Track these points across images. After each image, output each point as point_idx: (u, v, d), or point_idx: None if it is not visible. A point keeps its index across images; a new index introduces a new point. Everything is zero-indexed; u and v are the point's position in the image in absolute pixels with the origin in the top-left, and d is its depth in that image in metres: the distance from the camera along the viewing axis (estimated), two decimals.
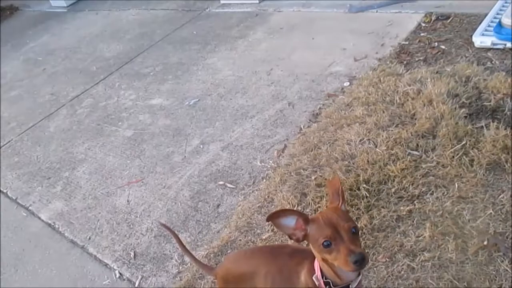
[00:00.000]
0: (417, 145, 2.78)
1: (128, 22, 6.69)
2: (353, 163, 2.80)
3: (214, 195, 3.03)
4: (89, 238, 3.00)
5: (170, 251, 2.72)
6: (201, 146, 3.54)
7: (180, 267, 2.60)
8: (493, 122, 2.77)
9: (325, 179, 2.73)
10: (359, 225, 2.40)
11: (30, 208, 3.46)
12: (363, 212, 2.47)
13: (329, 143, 3.05)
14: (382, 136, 2.89)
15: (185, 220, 2.91)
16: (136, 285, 2.58)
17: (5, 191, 3.77)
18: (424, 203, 2.45)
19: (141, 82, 4.82)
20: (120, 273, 2.69)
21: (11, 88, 5.79)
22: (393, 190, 2.55)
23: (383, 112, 3.11)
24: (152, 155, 3.62)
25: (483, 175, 2.49)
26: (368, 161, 2.76)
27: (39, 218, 3.33)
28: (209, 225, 2.82)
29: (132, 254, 2.78)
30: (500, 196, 2.36)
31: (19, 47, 7.18)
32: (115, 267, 2.74)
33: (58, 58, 6.22)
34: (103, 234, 3.00)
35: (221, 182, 3.12)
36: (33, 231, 3.24)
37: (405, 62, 3.68)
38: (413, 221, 2.37)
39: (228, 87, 4.20)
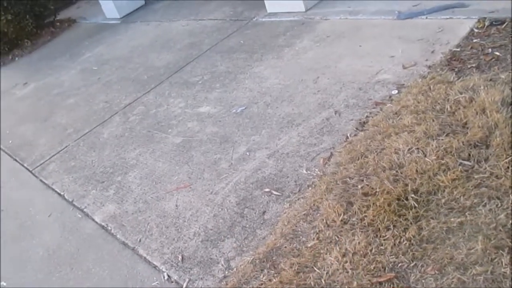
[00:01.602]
0: (469, 155, 2.70)
1: (178, 32, 6.91)
2: (401, 173, 2.75)
3: (260, 202, 3.07)
4: (140, 241, 3.12)
5: (216, 256, 2.78)
6: (248, 154, 3.59)
7: (226, 272, 2.65)
8: None
9: (372, 188, 2.70)
10: (407, 236, 2.36)
11: (85, 210, 3.64)
12: (411, 223, 2.42)
13: (376, 152, 3.02)
14: (432, 145, 2.83)
15: (231, 226, 2.96)
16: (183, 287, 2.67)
17: (62, 193, 3.99)
18: (476, 215, 2.37)
19: (190, 90, 4.97)
20: (168, 275, 2.77)
21: (68, 96, 6.13)
22: (443, 201, 2.49)
23: (433, 120, 3.04)
24: (200, 161, 3.71)
25: None
26: (416, 171, 2.71)
27: (93, 220, 3.50)
28: (255, 231, 2.86)
29: (180, 257, 2.86)
30: None
31: (76, 57, 7.59)
32: (163, 269, 2.83)
33: (112, 68, 6.52)
34: (153, 237, 3.11)
35: (267, 189, 3.15)
36: (87, 232, 3.41)
37: (456, 70, 3.58)
38: (464, 233, 2.30)
39: (275, 95, 4.24)
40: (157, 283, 2.77)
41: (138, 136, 4.44)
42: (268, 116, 3.97)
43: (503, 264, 2.10)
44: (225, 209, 3.12)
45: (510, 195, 2.39)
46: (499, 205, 2.37)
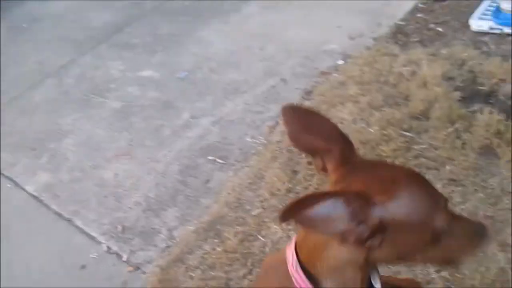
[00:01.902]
0: (410, 126, 2.77)
1: None
2: None
3: (204, 170, 3.00)
4: (76, 211, 2.95)
5: (158, 226, 2.70)
6: (191, 120, 3.48)
7: (169, 242, 2.59)
8: (486, 106, 2.78)
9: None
10: None
11: (15, 179, 3.38)
12: None
13: None
14: (375, 116, 2.88)
15: (174, 195, 2.88)
16: (124, 259, 2.56)
17: None
18: None
19: (130, 53, 4.70)
20: (108, 247, 2.66)
21: None
22: None
23: (377, 92, 3.09)
24: (141, 128, 3.55)
25: (475, 158, 2.50)
26: (360, 141, 2.75)
27: (25, 190, 3.26)
28: (198, 200, 2.80)
29: (120, 228, 2.75)
30: (490, 180, 2.38)
31: (3, 13, 6.92)
32: (102, 241, 2.71)
33: (44, 26, 6.01)
34: (90, 207, 2.96)
35: (211, 157, 3.08)
36: (19, 204, 3.18)
37: (401, 43, 3.64)
38: None
39: (220, 61, 4.12)
40: (96, 255, 2.64)
41: (74, 100, 4.16)
42: (213, 82, 3.85)
43: None
44: (168, 178, 3.02)
45: (447, 166, 2.49)
46: (437, 175, 2.47)
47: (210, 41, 4.49)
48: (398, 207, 0.83)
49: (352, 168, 0.94)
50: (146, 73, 4.27)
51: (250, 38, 4.33)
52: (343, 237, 0.82)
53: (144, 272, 2.47)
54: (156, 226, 2.71)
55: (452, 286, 1.99)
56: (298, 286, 0.93)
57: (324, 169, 1.01)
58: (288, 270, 0.97)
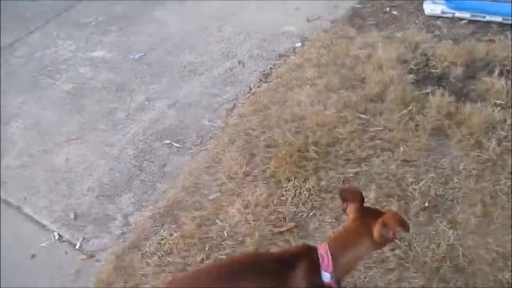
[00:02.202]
0: (366, 108, 2.81)
1: None
2: (303, 125, 2.79)
3: (160, 154, 2.93)
4: (25, 198, 2.82)
5: (113, 212, 2.62)
6: (147, 103, 3.38)
7: (124, 228, 2.52)
8: (438, 89, 2.85)
9: (274, 140, 2.71)
10: (307, 186, 2.42)
11: None
12: (311, 174, 2.48)
13: (279, 104, 3.01)
14: (332, 98, 2.89)
15: (129, 180, 2.80)
16: (77, 247, 2.48)
17: None
18: (371, 165, 2.49)
19: (81, 32, 4.49)
20: (60, 235, 2.56)
21: None
22: (341, 152, 2.58)
23: (334, 74, 3.10)
24: (93, 111, 3.42)
25: (427, 139, 2.57)
26: (317, 123, 2.76)
27: None
28: (155, 185, 2.74)
29: (72, 215, 2.65)
30: (441, 160, 2.45)
31: None
32: (53, 228, 2.60)
33: None
34: (40, 194, 2.83)
35: (167, 141, 3.01)
36: None
37: (357, 26, 3.67)
38: (359, 183, 2.42)
39: (176, 42, 4.01)
40: (47, 243, 2.54)
41: (22, 81, 3.94)
42: (169, 64, 3.75)
43: None
44: (122, 162, 2.93)
45: (401, 147, 2.55)
46: (391, 156, 2.52)
47: (166, 22, 4.35)
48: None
49: (362, 212, 1.56)
50: (99, 53, 4.10)
51: (207, 19, 4.23)
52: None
53: (98, 260, 2.39)
54: (110, 212, 2.62)
55: (406, 264, 2.05)
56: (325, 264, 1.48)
57: (344, 210, 1.61)
58: None
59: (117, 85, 3.63)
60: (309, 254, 1.52)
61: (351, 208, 1.56)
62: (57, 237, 2.55)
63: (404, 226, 1.47)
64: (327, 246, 1.52)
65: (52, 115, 3.45)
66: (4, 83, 3.95)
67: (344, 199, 1.59)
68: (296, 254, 1.55)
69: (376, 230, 1.46)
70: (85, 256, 2.43)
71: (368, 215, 1.53)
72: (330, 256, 1.47)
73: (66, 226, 2.59)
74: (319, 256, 1.48)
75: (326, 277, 1.46)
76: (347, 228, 1.58)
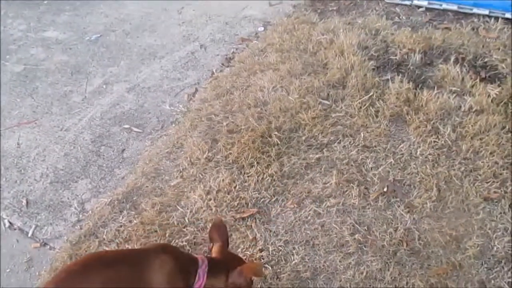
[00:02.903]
0: (328, 94, 2.82)
1: None
2: (266, 110, 2.77)
3: (119, 139, 2.83)
4: None
5: (68, 198, 2.52)
6: (104, 86, 3.26)
7: (80, 215, 2.43)
8: (398, 75, 2.89)
9: (237, 125, 2.67)
10: (269, 172, 2.41)
11: None
12: (274, 159, 2.47)
13: (242, 89, 2.98)
14: (295, 84, 2.88)
15: (85, 166, 2.69)
16: (29, 235, 2.37)
17: None
18: (332, 151, 2.51)
19: (32, 11, 4.26)
20: (10, 222, 2.44)
21: None
22: (303, 138, 2.58)
23: (297, 60, 3.09)
24: (46, 94, 3.26)
25: (386, 125, 2.61)
26: (280, 109, 2.75)
27: None
28: (113, 171, 2.65)
29: (24, 201, 2.52)
30: (400, 146, 2.50)
31: None
32: (4, 216, 2.47)
33: None
34: None
35: (126, 126, 2.91)
36: None
37: (319, 11, 3.67)
38: (321, 169, 2.43)
39: (135, 24, 3.88)
40: None
41: None
42: (128, 46, 3.62)
43: (353, 196, 2.28)
44: (78, 147, 2.81)
45: (361, 133, 2.58)
46: (352, 142, 2.55)
47: (124, 2, 4.20)
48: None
49: (224, 256, 1.68)
50: (52, 34, 3.91)
51: (167, 0, 4.11)
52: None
53: (52, 248, 2.30)
54: (65, 199, 2.52)
55: (364, 248, 2.09)
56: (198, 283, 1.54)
57: (210, 249, 1.73)
58: None
59: (72, 68, 3.48)
60: (185, 262, 1.54)
61: (215, 249, 1.67)
62: (7, 224, 2.43)
63: (259, 274, 1.65)
64: (207, 265, 1.58)
65: (2, 98, 3.26)
66: None
67: (211, 239, 1.70)
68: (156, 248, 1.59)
69: (231, 276, 1.58)
70: (38, 244, 2.33)
71: (228, 259, 1.66)
72: (205, 277, 1.54)
73: (17, 213, 2.47)
74: (197, 275, 1.53)
75: None
76: (215, 259, 1.66)
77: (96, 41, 3.73)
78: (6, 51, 3.76)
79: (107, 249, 2.20)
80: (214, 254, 1.67)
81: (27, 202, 2.52)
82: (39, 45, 3.77)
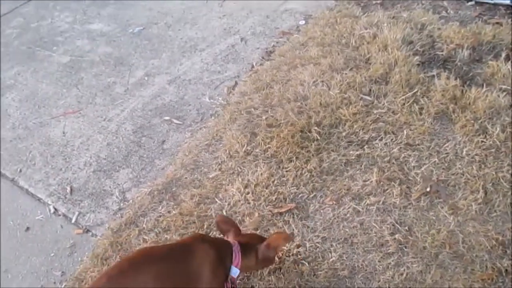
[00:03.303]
0: (370, 90, 2.75)
1: None
2: (306, 105, 2.73)
3: (159, 131, 2.88)
4: (20, 171, 2.77)
5: (110, 187, 2.58)
6: (146, 78, 3.31)
7: (121, 204, 2.48)
8: (444, 71, 2.79)
9: (276, 119, 2.66)
10: (308, 167, 2.38)
11: None
12: (313, 155, 2.44)
13: (282, 82, 2.95)
14: (336, 79, 2.83)
15: (127, 156, 2.75)
16: (72, 221, 2.44)
17: None
18: (373, 148, 2.45)
19: (78, 3, 4.38)
20: (55, 208, 2.52)
21: None
22: (343, 134, 2.54)
23: (338, 54, 3.03)
24: (91, 84, 3.35)
25: (431, 123, 2.52)
26: (320, 104, 2.71)
27: None
28: (153, 162, 2.70)
29: (69, 189, 2.61)
30: (445, 145, 2.41)
31: None
32: (49, 202, 2.56)
33: None
34: (36, 167, 2.78)
35: (167, 118, 2.95)
36: None
37: (362, 4, 3.58)
38: (361, 166, 2.38)
39: (177, 17, 3.92)
40: (42, 217, 2.51)
41: (16, 52, 3.85)
42: (169, 39, 3.66)
43: (394, 195, 2.22)
44: (120, 138, 2.87)
45: (404, 130, 2.50)
46: (394, 139, 2.48)
47: None
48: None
49: (242, 235, 1.78)
50: (97, 26, 4.00)
51: None
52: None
53: (94, 235, 2.37)
54: (107, 187, 2.59)
55: (405, 248, 2.03)
56: (236, 261, 1.63)
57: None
58: None
59: (115, 59, 3.55)
60: (221, 247, 1.61)
61: (231, 236, 1.74)
62: (52, 210, 2.52)
63: (287, 240, 1.79)
64: (238, 245, 1.67)
65: (49, 88, 3.38)
66: None
67: (222, 231, 1.78)
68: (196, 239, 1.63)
69: (260, 252, 1.69)
70: (80, 231, 2.40)
71: (250, 239, 1.77)
72: (240, 255, 1.63)
73: (62, 200, 2.55)
74: (233, 253, 1.62)
75: (235, 272, 1.61)
76: (243, 238, 1.76)
77: (139, 33, 3.79)
78: (53, 42, 3.88)
79: (146, 238, 2.25)
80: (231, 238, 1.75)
81: (71, 190, 2.60)
82: (85, 37, 3.87)
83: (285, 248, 2.08)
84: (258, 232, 2.16)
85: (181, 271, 1.48)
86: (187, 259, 1.50)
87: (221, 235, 1.81)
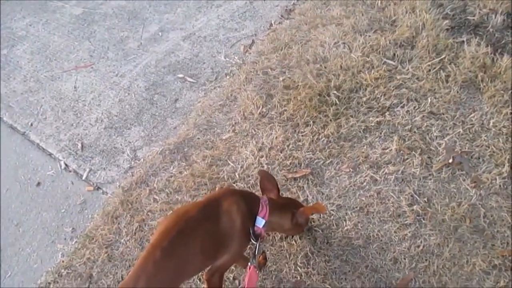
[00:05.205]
0: (394, 54, 2.61)
1: None
2: (325, 67, 2.61)
3: (172, 89, 2.79)
4: (31, 125, 2.73)
5: (121, 145, 2.53)
6: (160, 34, 3.19)
7: (132, 162, 2.44)
8: (474, 38, 2.63)
9: (294, 81, 2.55)
10: (325, 133, 2.30)
11: None
12: (331, 120, 2.35)
13: (301, 43, 2.82)
14: (359, 41, 2.69)
15: (139, 113, 2.68)
16: (83, 178, 2.41)
17: None
18: (394, 115, 2.35)
19: None
20: (66, 164, 2.49)
21: None
22: (364, 99, 2.42)
23: (362, 15, 2.87)
24: (103, 38, 3.24)
25: (457, 92, 2.39)
26: (341, 66, 2.58)
27: None
28: (165, 120, 2.63)
29: (80, 145, 2.56)
30: (470, 116, 2.29)
31: None
32: (60, 158, 2.53)
33: None
34: (47, 121, 2.73)
35: (180, 75, 2.86)
36: None
37: None
38: (381, 133, 2.28)
39: None
40: (53, 172, 2.48)
41: (28, 2, 3.74)
42: None
43: (414, 165, 2.13)
44: (133, 94, 2.80)
45: (428, 98, 2.38)
46: (417, 107, 2.37)
47: None
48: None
49: (282, 198, 1.79)
50: None
51: None
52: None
53: (105, 193, 2.34)
54: (119, 145, 2.53)
55: (423, 220, 1.96)
56: (263, 212, 1.64)
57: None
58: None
59: (129, 13, 3.43)
60: (236, 194, 1.63)
61: (272, 196, 1.74)
62: (63, 166, 2.49)
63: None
64: (267, 200, 1.68)
65: (60, 40, 3.28)
66: (10, 4, 3.75)
67: (264, 190, 1.76)
68: (224, 194, 1.63)
69: (297, 216, 1.69)
70: (91, 188, 2.37)
71: (289, 202, 1.78)
72: (268, 209, 1.63)
73: (73, 156, 2.52)
74: (260, 205, 1.64)
75: (261, 222, 1.61)
76: (281, 199, 1.76)
77: None
78: None
79: (156, 198, 2.21)
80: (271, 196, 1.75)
81: (82, 146, 2.56)
82: None
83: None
84: None
85: (218, 227, 1.54)
86: (221, 215, 1.55)
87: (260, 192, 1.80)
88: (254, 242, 1.64)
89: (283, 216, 1.70)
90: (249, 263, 1.62)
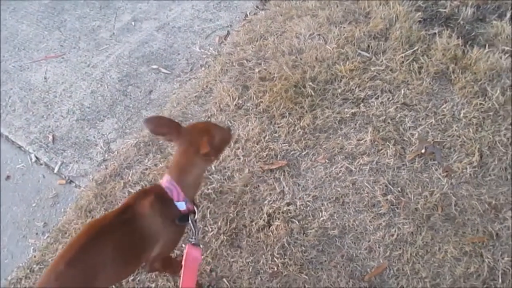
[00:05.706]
0: (368, 46, 2.64)
1: None
2: (301, 59, 2.62)
3: (146, 80, 2.74)
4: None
5: (94, 137, 2.48)
6: (133, 24, 3.13)
7: (106, 155, 2.39)
8: (446, 30, 2.68)
9: (270, 73, 2.55)
10: (301, 124, 2.31)
11: None
12: (306, 111, 2.36)
13: (276, 34, 2.81)
14: (334, 32, 2.70)
15: (112, 105, 2.63)
16: (55, 171, 2.35)
17: None
18: (369, 107, 2.38)
19: None
20: (37, 157, 2.42)
21: None
22: (339, 91, 2.44)
23: (337, 6, 2.89)
24: (74, 27, 3.15)
25: (429, 83, 2.44)
26: (316, 58, 2.59)
27: None
28: (140, 112, 2.58)
29: (51, 137, 2.50)
30: (442, 106, 2.34)
31: None
32: (30, 150, 2.46)
33: None
34: (16, 113, 2.65)
35: (154, 66, 2.81)
36: None
37: None
38: (355, 124, 2.31)
39: None
40: (23, 165, 2.41)
41: None
42: None
43: (388, 155, 2.17)
44: (105, 86, 2.74)
45: (402, 89, 2.42)
46: (390, 98, 2.40)
47: None
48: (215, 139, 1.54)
49: (185, 134, 1.54)
50: None
51: None
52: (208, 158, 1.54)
53: (77, 186, 2.29)
54: (91, 137, 2.48)
55: (397, 209, 2.00)
56: (175, 195, 1.49)
57: (170, 141, 1.60)
58: None
59: (100, 2, 3.34)
60: (150, 194, 1.49)
61: (173, 136, 1.53)
62: (34, 159, 2.42)
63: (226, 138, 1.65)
64: (169, 177, 1.50)
65: (29, 29, 3.18)
66: None
67: (162, 134, 1.55)
68: (137, 198, 1.50)
69: (203, 145, 1.46)
70: (63, 181, 2.32)
71: (192, 134, 1.54)
72: (176, 186, 1.48)
73: (44, 149, 2.45)
74: (166, 190, 1.48)
75: (181, 205, 1.49)
76: (178, 153, 1.54)
77: None
78: None
79: (131, 191, 2.17)
80: (175, 140, 1.54)
81: (53, 138, 2.49)
82: None
83: (275, 205, 2.04)
84: (247, 188, 2.10)
85: (136, 233, 1.44)
86: (137, 219, 1.44)
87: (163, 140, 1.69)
88: (189, 223, 1.52)
89: (193, 171, 1.51)
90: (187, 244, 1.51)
